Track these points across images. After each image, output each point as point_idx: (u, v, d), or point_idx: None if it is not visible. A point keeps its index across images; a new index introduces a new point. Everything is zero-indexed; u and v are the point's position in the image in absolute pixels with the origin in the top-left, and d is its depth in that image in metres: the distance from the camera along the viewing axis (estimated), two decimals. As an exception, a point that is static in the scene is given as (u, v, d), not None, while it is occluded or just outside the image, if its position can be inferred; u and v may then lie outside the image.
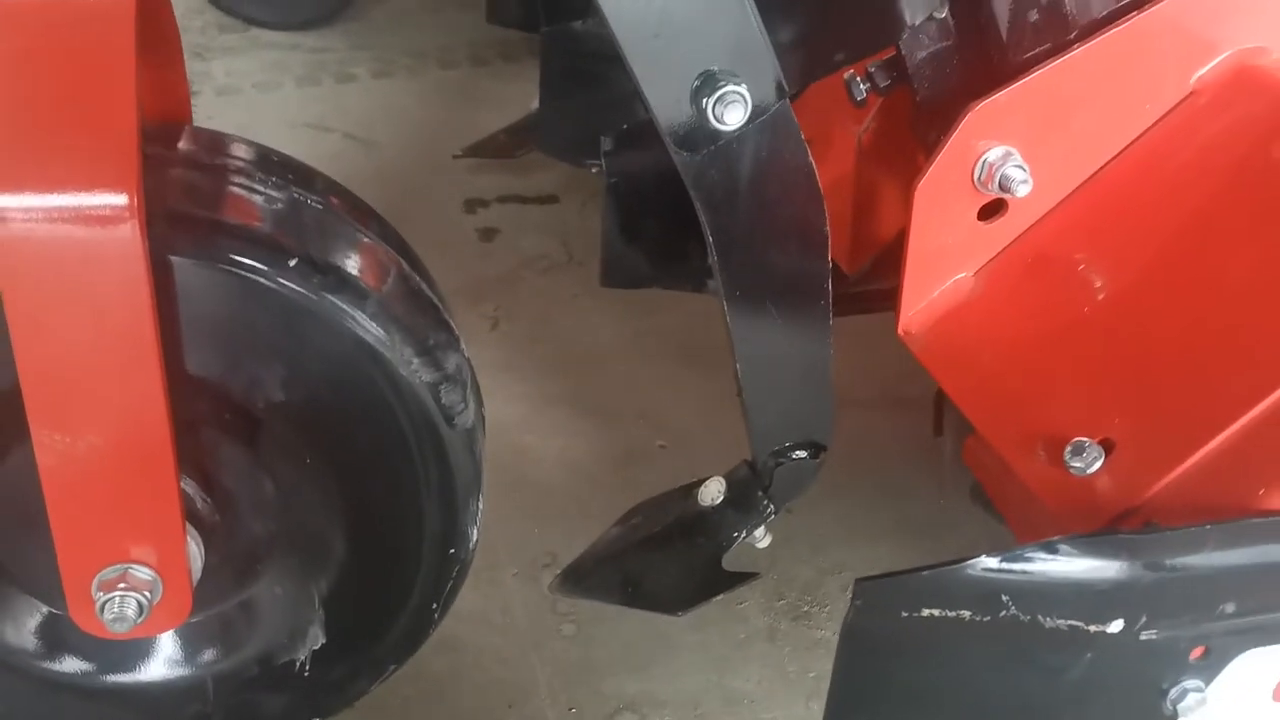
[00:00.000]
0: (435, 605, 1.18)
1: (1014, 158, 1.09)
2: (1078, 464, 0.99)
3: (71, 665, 1.16)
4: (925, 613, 0.85)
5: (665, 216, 1.43)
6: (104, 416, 0.94)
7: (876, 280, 1.38)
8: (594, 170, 1.72)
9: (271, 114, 2.47)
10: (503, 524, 1.56)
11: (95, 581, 1.01)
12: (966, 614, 0.85)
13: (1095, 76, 1.09)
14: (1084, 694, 0.90)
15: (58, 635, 1.14)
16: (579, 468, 1.71)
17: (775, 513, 1.25)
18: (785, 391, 1.17)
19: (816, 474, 1.22)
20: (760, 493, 1.24)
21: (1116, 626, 0.87)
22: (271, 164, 1.10)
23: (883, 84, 1.19)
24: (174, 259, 0.95)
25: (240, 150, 1.10)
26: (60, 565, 1.00)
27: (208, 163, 1.06)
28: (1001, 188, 1.10)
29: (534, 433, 1.76)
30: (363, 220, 1.13)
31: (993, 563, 0.84)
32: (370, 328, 1.02)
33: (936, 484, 1.64)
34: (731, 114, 0.97)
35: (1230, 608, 0.89)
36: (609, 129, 1.54)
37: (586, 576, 1.31)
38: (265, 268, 0.98)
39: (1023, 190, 1.09)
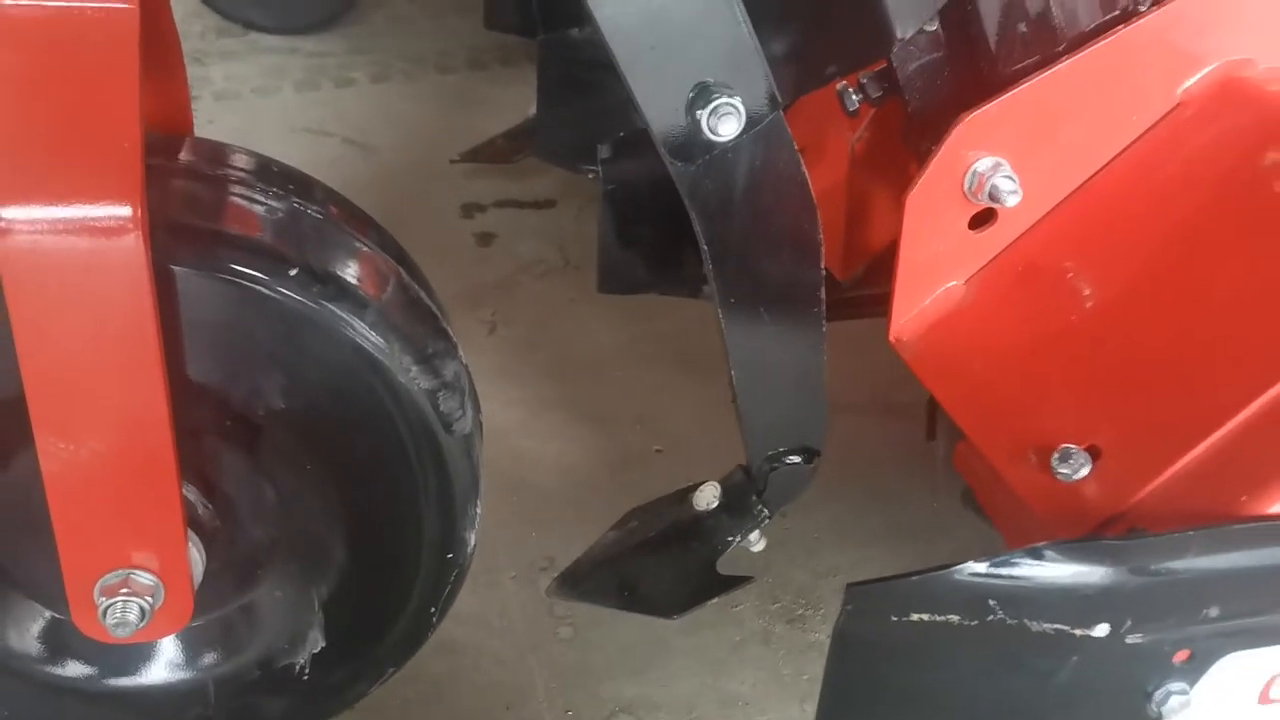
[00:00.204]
0: (434, 609, 1.19)
1: (1004, 168, 1.10)
2: (1065, 470, 1.00)
3: (74, 669, 1.17)
4: (914, 617, 0.86)
5: (661, 223, 1.45)
6: (107, 424, 0.95)
7: (869, 286, 1.40)
8: (590, 176, 1.74)
9: (270, 118, 2.48)
10: (501, 527, 1.58)
11: (98, 587, 1.02)
12: (954, 618, 0.86)
13: (1083, 88, 1.10)
14: (1071, 697, 0.92)
15: (61, 640, 1.15)
16: (576, 472, 1.72)
17: (769, 517, 1.26)
18: (779, 398, 1.19)
19: (810, 479, 1.24)
20: (755, 498, 1.25)
21: (1102, 630, 0.88)
22: (272, 174, 1.11)
23: (875, 95, 1.20)
24: (176, 269, 0.97)
25: (241, 160, 1.11)
26: (63, 571, 1.02)
27: (209, 173, 1.08)
28: (991, 197, 1.10)
29: (532, 437, 1.77)
30: (362, 229, 1.14)
31: (979, 568, 0.86)
32: (369, 336, 1.03)
33: (929, 488, 1.66)
34: (725, 125, 0.98)
35: (1213, 612, 0.90)
36: (605, 136, 1.56)
37: (583, 580, 1.32)
38: (266, 277, 1.00)
39: (1012, 200, 1.10)
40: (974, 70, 1.13)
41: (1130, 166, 1.14)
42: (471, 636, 1.48)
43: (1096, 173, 1.15)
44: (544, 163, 2.08)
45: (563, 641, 1.50)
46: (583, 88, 1.84)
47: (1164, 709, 0.93)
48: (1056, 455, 1.01)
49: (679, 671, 1.47)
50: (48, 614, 1.15)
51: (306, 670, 1.20)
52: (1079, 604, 0.88)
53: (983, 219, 1.15)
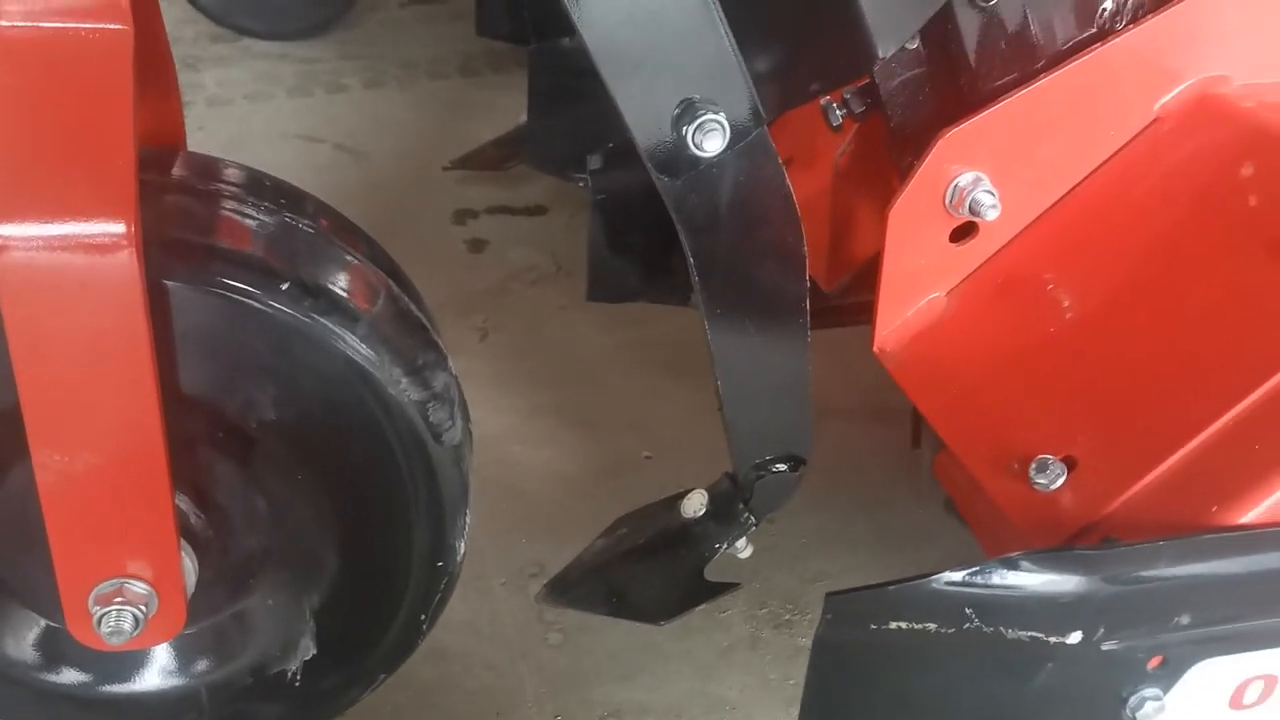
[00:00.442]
0: (424, 616, 1.21)
1: (984, 183, 1.12)
2: (1041, 480, 1.02)
3: (69, 676, 1.18)
4: (893, 625, 0.88)
5: (650, 232, 1.47)
6: (101, 436, 0.96)
7: (854, 294, 1.42)
8: (581, 185, 1.75)
9: (262, 124, 2.49)
10: (491, 534, 1.59)
11: (92, 596, 1.03)
12: (932, 626, 0.88)
13: (1062, 104, 1.12)
14: (1046, 703, 0.94)
15: (56, 647, 1.17)
16: (566, 478, 1.73)
17: (756, 524, 1.28)
18: (765, 407, 1.20)
19: (796, 487, 1.25)
20: (741, 505, 1.27)
21: (1076, 638, 0.90)
22: (264, 188, 1.13)
23: (858, 110, 1.22)
24: (170, 284, 0.98)
25: (233, 175, 1.12)
26: (59, 580, 1.03)
27: (202, 189, 1.09)
28: (972, 211, 1.12)
29: (522, 443, 1.78)
30: (353, 242, 1.16)
31: (956, 577, 0.87)
32: (360, 349, 1.05)
33: (914, 495, 1.67)
34: (711, 141, 1.00)
35: (1186, 619, 0.92)
36: (596, 145, 1.57)
37: (573, 587, 1.34)
38: (259, 292, 1.01)
39: (992, 214, 1.12)
40: (955, 87, 1.14)
41: (1108, 181, 1.16)
42: (462, 643, 1.49)
43: (1075, 187, 1.17)
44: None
45: (552, 647, 1.51)
46: (573, 96, 1.86)
47: (1139, 714, 0.95)
48: (1034, 465, 1.03)
49: (668, 676, 1.48)
50: (43, 622, 1.16)
51: (298, 677, 1.21)
52: (1054, 612, 0.89)
53: (964, 232, 1.17)
